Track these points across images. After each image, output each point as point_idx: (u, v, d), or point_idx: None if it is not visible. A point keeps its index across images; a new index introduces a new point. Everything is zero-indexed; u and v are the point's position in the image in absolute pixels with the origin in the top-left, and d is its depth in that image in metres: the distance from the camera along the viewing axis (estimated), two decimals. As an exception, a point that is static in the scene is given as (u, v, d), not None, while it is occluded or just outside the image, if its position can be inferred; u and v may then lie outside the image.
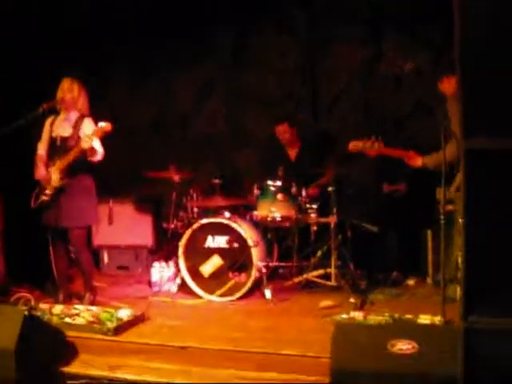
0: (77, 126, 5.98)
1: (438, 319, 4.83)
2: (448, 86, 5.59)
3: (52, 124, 6.10)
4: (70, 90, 5.98)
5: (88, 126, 5.97)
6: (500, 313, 3.41)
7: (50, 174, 5.90)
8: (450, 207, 5.12)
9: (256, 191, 6.67)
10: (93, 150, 5.83)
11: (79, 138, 5.90)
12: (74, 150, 5.80)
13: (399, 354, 3.87)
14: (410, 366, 3.82)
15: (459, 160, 4.77)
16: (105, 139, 5.89)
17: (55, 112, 6.09)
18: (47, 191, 5.90)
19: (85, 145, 5.70)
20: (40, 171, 6.02)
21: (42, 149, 6.14)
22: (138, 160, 8.04)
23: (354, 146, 5.93)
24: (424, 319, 4.95)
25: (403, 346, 3.88)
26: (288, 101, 7.93)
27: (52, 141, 6.05)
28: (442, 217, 4.81)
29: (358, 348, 4.01)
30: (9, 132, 5.64)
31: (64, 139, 5.97)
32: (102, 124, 5.72)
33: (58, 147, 5.97)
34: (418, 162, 5.79)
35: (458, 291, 4.81)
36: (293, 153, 7.51)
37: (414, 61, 5.54)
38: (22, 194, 6.12)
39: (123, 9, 7.75)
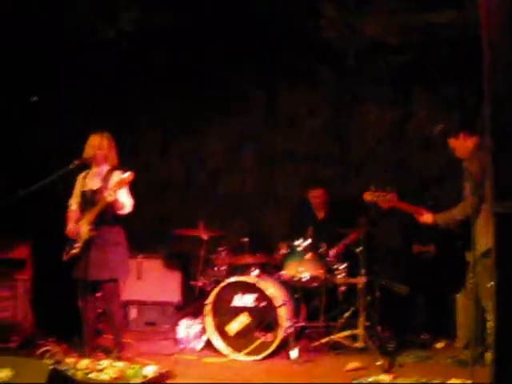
0: (106, 178, 6.06)
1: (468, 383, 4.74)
2: (463, 144, 5.60)
3: (84, 178, 6.19)
4: (100, 147, 6.07)
5: (116, 179, 6.01)
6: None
7: (80, 227, 5.97)
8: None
9: (284, 250, 6.68)
10: (118, 203, 5.90)
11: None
12: (100, 202, 5.86)
13: (428, 419, 3.80)
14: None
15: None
16: (136, 194, 5.96)
17: (87, 167, 6.19)
18: (77, 244, 5.96)
19: (109, 198, 5.75)
20: (69, 226, 6.09)
21: (74, 203, 6.23)
22: (167, 215, 8.10)
23: (367, 196, 5.95)
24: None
25: (432, 412, 3.82)
26: (317, 160, 7.97)
27: (83, 194, 6.13)
28: (471, 281, 4.75)
29: (385, 412, 3.95)
30: (45, 185, 5.74)
31: (93, 192, 6.05)
32: (124, 175, 5.77)
33: (88, 200, 6.06)
34: (429, 219, 5.80)
35: (488, 356, 4.75)
36: (321, 212, 7.52)
37: (443, 123, 5.57)
38: (52, 246, 6.17)
39: (156, 66, 7.91)
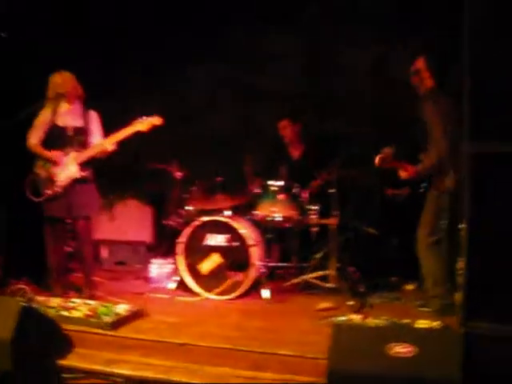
0: (85, 118, 6.04)
1: (436, 324, 4.81)
2: (422, 80, 5.64)
3: (54, 113, 6.03)
4: (67, 82, 5.99)
5: (95, 121, 6.10)
6: (500, 319, 3.40)
7: (63, 165, 5.91)
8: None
9: (257, 190, 6.66)
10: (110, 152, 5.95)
11: (91, 131, 6.02)
12: (97, 148, 5.90)
13: (397, 357, 3.85)
14: (407, 369, 3.81)
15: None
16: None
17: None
18: (59, 183, 5.90)
19: (110, 147, 5.88)
20: (58, 156, 5.96)
21: (35, 137, 6.04)
22: (141, 155, 8.02)
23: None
24: (422, 324, 4.93)
25: (401, 350, 3.87)
26: (295, 100, 7.89)
27: (58, 130, 5.99)
28: (444, 221, 4.79)
29: (355, 350, 4.00)
30: (11, 124, 5.63)
31: (78, 130, 6.00)
32: (150, 119, 5.86)
33: (69, 137, 5.97)
34: (414, 175, 5.74)
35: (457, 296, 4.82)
36: (296, 153, 7.50)
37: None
38: (20, 186, 6.08)
39: (137, 5, 7.77)
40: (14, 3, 6.86)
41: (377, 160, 5.66)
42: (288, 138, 7.44)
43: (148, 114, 5.87)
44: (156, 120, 5.84)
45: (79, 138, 5.97)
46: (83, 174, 5.91)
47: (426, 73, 5.60)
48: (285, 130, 7.41)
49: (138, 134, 5.86)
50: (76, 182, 5.92)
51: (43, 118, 6.06)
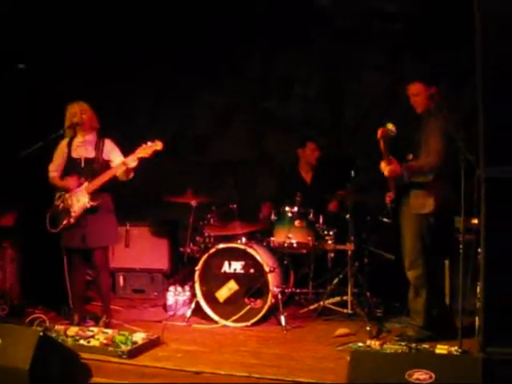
0: (98, 147, 6.07)
1: (454, 349, 4.77)
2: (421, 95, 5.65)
3: (69, 146, 6.14)
4: (83, 112, 6.06)
5: (110, 148, 6.12)
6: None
7: (78, 196, 5.95)
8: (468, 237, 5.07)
9: (273, 217, 6.67)
10: (129, 172, 5.96)
11: (104, 160, 6.04)
12: (107, 173, 5.91)
13: (417, 383, 3.82)
14: (427, 396, 3.77)
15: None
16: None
17: (63, 136, 6.17)
18: (73, 213, 5.94)
19: (132, 164, 5.86)
20: (71, 182, 6.03)
21: (55, 170, 6.20)
22: (156, 183, 8.05)
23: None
24: (441, 349, 4.90)
25: (421, 376, 3.83)
26: (309, 126, 7.92)
27: (73, 162, 6.09)
28: (461, 246, 4.76)
29: (374, 377, 3.96)
30: (29, 154, 5.70)
31: (89, 161, 6.04)
32: (150, 143, 5.85)
33: (81, 169, 6.04)
34: (396, 171, 5.67)
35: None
36: (308, 178, 7.52)
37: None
38: (39, 216, 6.14)
39: (146, 32, 7.84)
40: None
41: (380, 131, 5.66)
42: (309, 162, 7.46)
43: (151, 140, 5.89)
44: (158, 145, 5.86)
45: (90, 168, 6.01)
46: (93, 203, 5.93)
47: (425, 95, 5.61)
48: (310, 152, 7.41)
49: (141, 159, 5.88)
50: (89, 212, 5.95)
51: (60, 151, 6.19)
